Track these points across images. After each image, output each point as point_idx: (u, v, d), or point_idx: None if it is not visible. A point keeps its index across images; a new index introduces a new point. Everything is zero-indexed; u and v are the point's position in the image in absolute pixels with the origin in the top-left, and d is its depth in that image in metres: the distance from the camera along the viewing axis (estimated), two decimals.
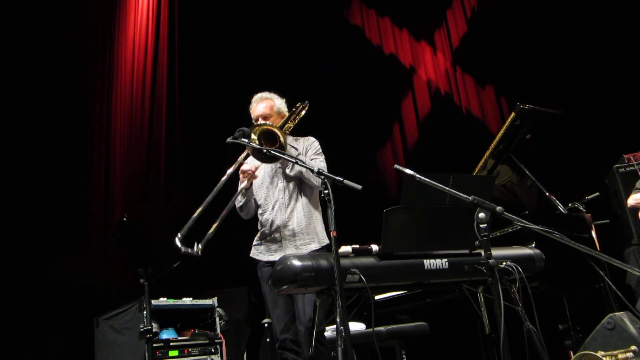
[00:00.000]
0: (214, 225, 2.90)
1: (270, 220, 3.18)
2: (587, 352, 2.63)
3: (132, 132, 6.16)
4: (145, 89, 6.36)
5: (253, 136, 2.90)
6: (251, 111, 3.33)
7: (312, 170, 2.65)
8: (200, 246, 2.78)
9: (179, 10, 6.84)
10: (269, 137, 2.96)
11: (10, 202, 5.11)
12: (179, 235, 2.77)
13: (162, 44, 6.60)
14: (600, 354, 2.58)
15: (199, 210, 2.87)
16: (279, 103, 3.33)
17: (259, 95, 3.33)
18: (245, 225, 3.38)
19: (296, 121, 3.30)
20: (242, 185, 3.16)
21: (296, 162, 2.83)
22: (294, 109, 3.30)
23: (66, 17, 5.92)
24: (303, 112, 3.32)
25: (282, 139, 2.93)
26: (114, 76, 6.23)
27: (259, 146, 2.89)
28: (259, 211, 3.26)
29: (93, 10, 6.26)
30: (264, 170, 3.26)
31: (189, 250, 2.78)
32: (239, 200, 3.22)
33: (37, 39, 5.60)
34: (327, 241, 3.16)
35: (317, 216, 3.22)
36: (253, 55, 7.10)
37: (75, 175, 5.75)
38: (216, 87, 6.80)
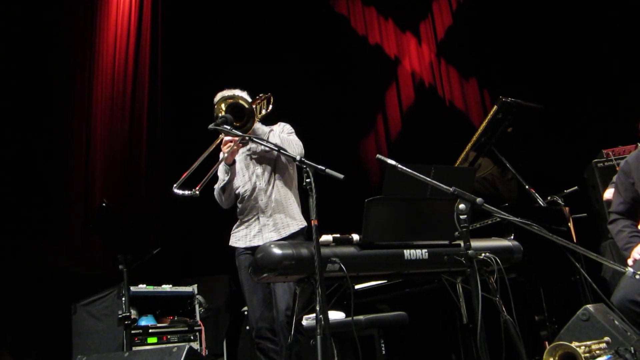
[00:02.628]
0: (211, 171, 2.94)
1: (249, 207, 3.19)
2: (561, 342, 2.68)
3: (113, 117, 6.08)
4: (127, 74, 6.27)
5: (222, 107, 2.99)
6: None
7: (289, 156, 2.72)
8: (197, 188, 2.79)
9: None
10: (236, 111, 3.01)
11: None
12: (175, 185, 2.82)
13: (145, 27, 6.51)
14: (574, 344, 2.63)
15: (194, 165, 2.90)
16: (243, 95, 3.32)
17: (220, 93, 3.29)
18: (225, 213, 3.37)
19: (262, 113, 3.30)
20: (224, 159, 3.12)
21: (273, 146, 2.85)
22: (256, 98, 3.30)
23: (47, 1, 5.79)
24: (270, 107, 3.32)
25: (247, 106, 3.01)
26: (96, 60, 6.12)
27: (241, 133, 2.90)
28: (237, 199, 3.25)
29: None
30: (237, 158, 3.25)
31: (187, 192, 2.79)
32: (222, 179, 3.20)
33: (17, 22, 5.46)
34: (304, 222, 3.18)
35: (293, 198, 3.23)
36: (237, 42, 7.04)
37: (55, 160, 5.65)
38: (199, 72, 6.74)
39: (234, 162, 3.19)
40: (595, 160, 4.73)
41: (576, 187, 4.45)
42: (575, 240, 4.09)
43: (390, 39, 7.43)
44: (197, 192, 2.77)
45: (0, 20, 5.29)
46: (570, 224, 4.15)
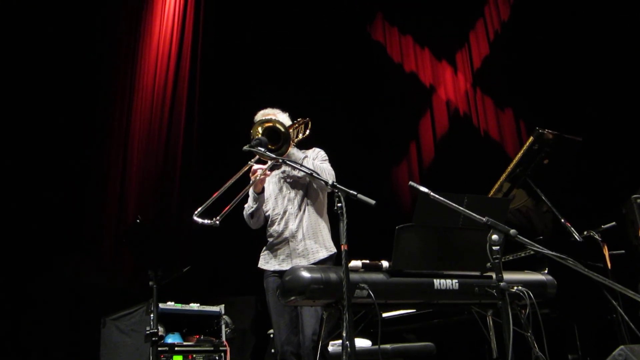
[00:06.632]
0: (233, 202, 2.86)
1: (279, 231, 3.19)
2: None
3: (151, 134, 6.23)
4: (166, 93, 6.43)
5: (259, 130, 2.99)
6: None
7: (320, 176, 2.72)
8: (218, 218, 2.72)
9: (205, 16, 6.93)
10: (272, 134, 3.01)
11: (25, 199, 5.17)
12: (196, 212, 2.76)
13: (185, 48, 6.68)
14: None
15: (217, 193, 2.84)
16: (282, 117, 3.33)
17: (262, 112, 3.33)
18: (256, 235, 3.38)
19: (299, 137, 3.29)
20: (252, 186, 3.12)
21: (307, 170, 2.84)
22: (294, 122, 3.29)
23: (93, 20, 6.01)
24: (307, 131, 3.30)
25: (284, 130, 3.01)
26: (136, 79, 6.31)
27: (274, 156, 2.92)
28: (267, 222, 3.26)
29: (120, 12, 6.35)
30: (270, 181, 3.27)
31: (207, 221, 2.73)
32: (250, 206, 3.22)
33: (62, 42, 5.68)
34: (334, 249, 3.17)
35: (324, 224, 3.23)
36: (274, 65, 7.16)
37: (91, 174, 5.80)
38: (236, 93, 6.85)
39: (262, 190, 3.20)
40: (635, 195, 4.60)
41: (614, 223, 4.32)
42: (612, 278, 3.96)
43: (425, 67, 7.44)
44: (217, 222, 2.69)
45: (46, 43, 5.51)
46: (608, 261, 4.03)
